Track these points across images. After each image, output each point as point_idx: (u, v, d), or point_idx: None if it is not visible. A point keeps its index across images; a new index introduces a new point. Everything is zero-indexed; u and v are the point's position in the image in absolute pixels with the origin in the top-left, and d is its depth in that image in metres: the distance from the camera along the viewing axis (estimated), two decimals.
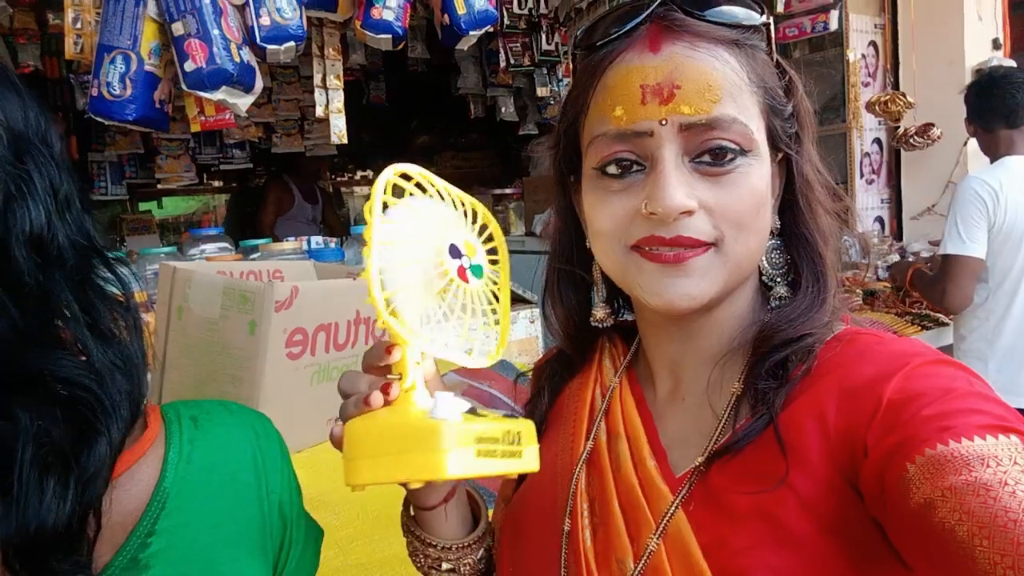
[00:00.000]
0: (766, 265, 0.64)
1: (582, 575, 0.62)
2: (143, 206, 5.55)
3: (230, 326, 1.32)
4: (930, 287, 2.52)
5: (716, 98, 0.57)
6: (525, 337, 2.38)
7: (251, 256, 2.33)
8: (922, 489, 0.46)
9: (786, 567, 0.52)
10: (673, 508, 0.58)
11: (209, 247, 2.44)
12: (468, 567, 0.70)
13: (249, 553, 0.64)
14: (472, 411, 0.55)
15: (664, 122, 0.57)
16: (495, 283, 0.62)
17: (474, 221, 0.61)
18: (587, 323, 0.72)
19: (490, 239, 0.62)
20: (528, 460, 0.56)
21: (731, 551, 0.54)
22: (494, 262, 0.62)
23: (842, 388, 0.55)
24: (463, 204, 0.61)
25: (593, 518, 0.64)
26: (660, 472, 0.61)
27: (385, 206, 0.55)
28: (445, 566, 0.69)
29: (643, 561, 0.58)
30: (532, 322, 2.41)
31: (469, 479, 0.55)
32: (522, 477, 0.75)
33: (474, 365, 0.59)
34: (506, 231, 4.84)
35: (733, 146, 0.57)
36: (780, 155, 0.63)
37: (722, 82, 0.57)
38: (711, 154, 0.58)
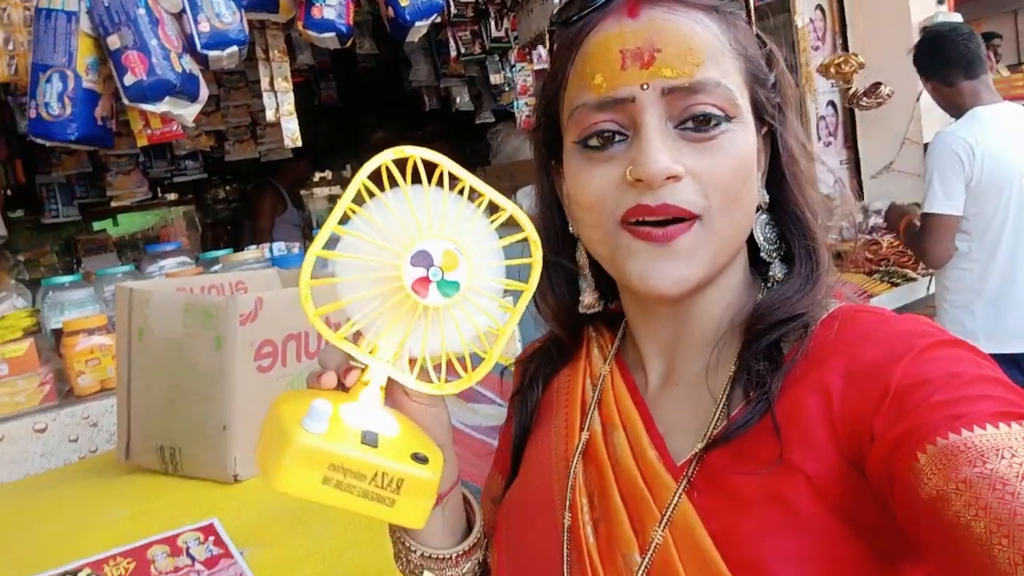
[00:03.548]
0: (761, 240, 0.62)
1: (586, 573, 0.59)
2: (98, 225, 5.39)
3: (195, 344, 1.27)
4: (915, 242, 2.56)
5: (698, 61, 0.55)
6: None
7: (212, 269, 2.27)
8: (933, 480, 0.44)
9: (802, 552, 0.50)
10: (677, 497, 0.56)
11: (168, 263, 2.38)
12: None
13: None
14: (372, 436, 0.51)
15: (645, 86, 0.55)
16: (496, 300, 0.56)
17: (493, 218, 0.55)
18: (576, 310, 0.70)
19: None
20: (403, 513, 0.51)
21: (743, 537, 0.52)
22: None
23: (848, 371, 0.52)
24: (477, 198, 0.55)
25: (593, 513, 0.62)
26: (661, 461, 0.59)
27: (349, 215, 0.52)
28: (427, 575, 0.66)
29: (650, 553, 0.55)
30: None
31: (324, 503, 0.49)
32: (514, 473, 0.72)
33: (434, 392, 0.57)
34: None
35: (717, 112, 0.56)
36: (764, 128, 0.62)
37: (703, 45, 0.56)
38: (695, 120, 0.56)
